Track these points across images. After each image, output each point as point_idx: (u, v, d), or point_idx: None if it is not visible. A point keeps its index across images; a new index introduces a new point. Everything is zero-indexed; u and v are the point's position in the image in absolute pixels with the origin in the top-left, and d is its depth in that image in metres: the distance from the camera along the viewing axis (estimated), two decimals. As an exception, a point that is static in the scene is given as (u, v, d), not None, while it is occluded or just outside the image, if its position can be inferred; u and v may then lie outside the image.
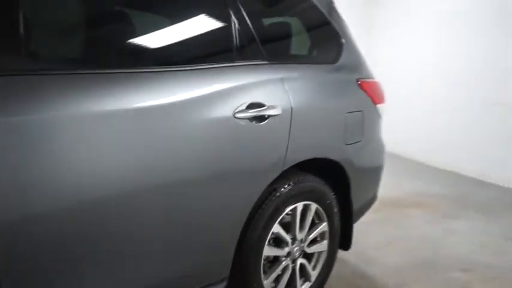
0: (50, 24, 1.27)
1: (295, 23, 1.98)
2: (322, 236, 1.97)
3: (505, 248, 2.94)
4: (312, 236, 1.90)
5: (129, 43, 1.37)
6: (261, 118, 1.54)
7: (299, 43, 1.97)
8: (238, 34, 1.59)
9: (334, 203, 1.97)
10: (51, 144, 1.06)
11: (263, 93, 1.58)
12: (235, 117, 1.46)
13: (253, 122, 1.52)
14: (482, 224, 3.37)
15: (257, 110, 1.52)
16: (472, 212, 3.65)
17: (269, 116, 1.56)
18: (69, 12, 1.34)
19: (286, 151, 1.64)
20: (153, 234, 1.33)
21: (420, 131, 5.48)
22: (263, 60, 1.65)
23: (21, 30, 1.06)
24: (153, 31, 1.42)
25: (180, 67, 1.39)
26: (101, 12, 1.38)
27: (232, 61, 1.55)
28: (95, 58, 1.30)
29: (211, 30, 1.58)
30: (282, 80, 1.66)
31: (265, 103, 1.56)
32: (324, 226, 1.95)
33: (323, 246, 1.98)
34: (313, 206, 1.87)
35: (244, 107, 1.49)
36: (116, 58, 1.33)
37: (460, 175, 4.90)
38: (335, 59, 2.02)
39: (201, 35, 1.54)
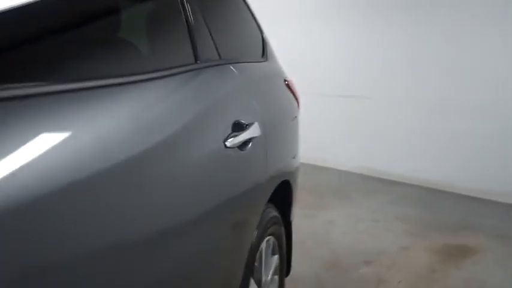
0: None
1: (228, 15, 1.54)
2: (275, 271, 1.63)
3: (378, 231, 3.13)
4: (270, 276, 1.54)
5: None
6: (245, 143, 1.09)
7: (237, 39, 1.54)
8: (194, 28, 1.09)
9: (283, 230, 1.65)
10: None
11: (238, 105, 1.14)
12: (227, 147, 0.98)
13: (240, 150, 1.06)
14: (350, 211, 3.55)
15: (241, 132, 1.06)
16: (334, 200, 3.82)
17: (251, 138, 1.12)
18: None
19: (267, 179, 1.24)
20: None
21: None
22: (220, 59, 1.18)
23: None
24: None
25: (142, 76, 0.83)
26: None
27: (195, 62, 1.04)
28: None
29: (168, 26, 1.04)
30: (246, 85, 1.24)
31: (244, 120, 1.11)
32: (276, 259, 1.61)
33: (276, 282, 1.64)
34: (271, 240, 1.51)
35: (230, 129, 1.02)
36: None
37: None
38: (264, 56, 1.67)
39: (158, 31, 0.99)
